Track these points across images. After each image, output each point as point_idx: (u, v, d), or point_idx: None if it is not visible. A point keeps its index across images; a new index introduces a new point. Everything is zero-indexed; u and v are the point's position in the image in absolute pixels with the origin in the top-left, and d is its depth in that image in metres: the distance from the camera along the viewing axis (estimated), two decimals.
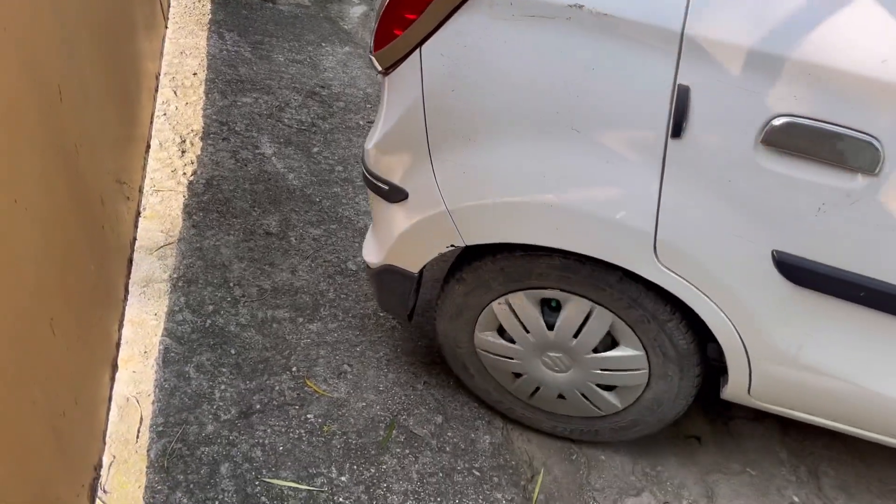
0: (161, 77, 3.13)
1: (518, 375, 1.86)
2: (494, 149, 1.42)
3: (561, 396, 1.85)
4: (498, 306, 1.73)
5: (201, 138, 2.84)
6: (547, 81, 1.32)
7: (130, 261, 2.20)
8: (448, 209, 1.53)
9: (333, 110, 3.19)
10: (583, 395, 1.80)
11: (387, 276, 1.77)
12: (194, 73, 3.23)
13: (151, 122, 2.81)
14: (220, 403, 1.88)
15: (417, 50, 1.39)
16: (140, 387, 1.87)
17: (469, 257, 1.70)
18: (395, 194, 1.60)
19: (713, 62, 1.21)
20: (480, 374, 1.94)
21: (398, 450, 1.88)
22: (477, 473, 1.88)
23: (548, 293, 1.64)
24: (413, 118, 1.46)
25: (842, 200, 1.25)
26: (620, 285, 1.53)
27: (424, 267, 1.75)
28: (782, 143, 1.23)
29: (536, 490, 1.88)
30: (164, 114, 2.92)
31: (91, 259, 1.68)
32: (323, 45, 3.71)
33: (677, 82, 1.24)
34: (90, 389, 1.59)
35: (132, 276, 2.17)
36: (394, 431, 1.92)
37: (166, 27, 3.48)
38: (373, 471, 1.81)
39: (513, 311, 1.71)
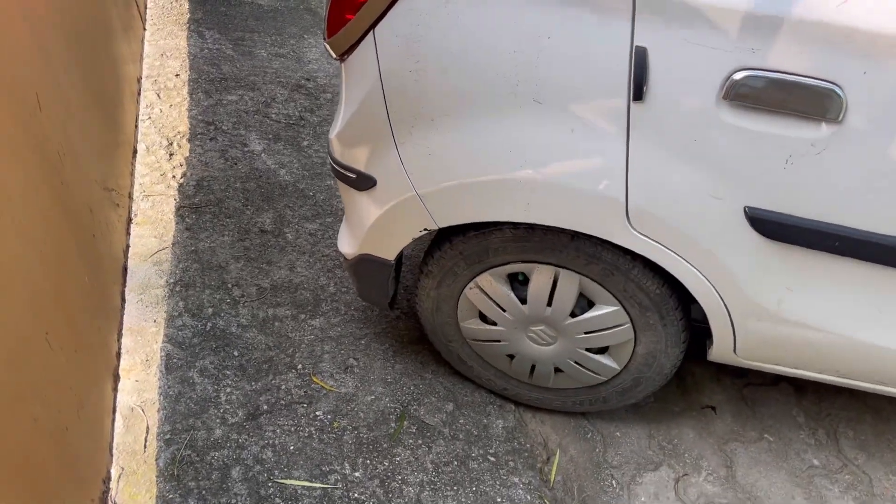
0: (143, 80, 3.08)
1: (512, 357, 1.85)
2: (459, 128, 1.39)
3: (559, 370, 1.83)
4: (470, 292, 1.72)
5: (188, 140, 2.79)
6: (504, 54, 1.29)
7: (125, 269, 2.16)
8: (418, 193, 1.50)
9: (320, 102, 3.15)
10: (577, 363, 1.78)
11: (363, 266, 1.76)
12: (177, 75, 3.17)
13: (136, 127, 2.76)
14: (227, 406, 1.85)
15: (371, 33, 1.36)
16: (144, 395, 1.83)
17: (431, 248, 1.70)
18: (364, 182, 1.58)
19: (668, 21, 1.19)
20: (479, 364, 1.93)
21: (411, 441, 1.85)
22: (492, 459, 1.85)
23: (511, 268, 1.64)
24: (373, 103, 1.43)
25: (808, 151, 1.24)
26: (575, 244, 1.51)
27: (401, 253, 1.75)
28: (744, 97, 1.22)
29: (553, 471, 1.85)
30: (149, 117, 2.87)
31: (84, 269, 1.65)
32: (305, 37, 3.65)
33: (634, 44, 1.22)
34: (93, 402, 1.56)
35: (128, 283, 2.13)
36: (405, 422, 1.89)
37: (144, 29, 3.43)
38: (386, 464, 1.79)
39: (485, 293, 1.71)
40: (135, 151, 2.64)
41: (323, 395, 1.92)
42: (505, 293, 1.70)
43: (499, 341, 1.82)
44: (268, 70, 3.35)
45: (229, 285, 2.20)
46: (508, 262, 1.63)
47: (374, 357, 2.06)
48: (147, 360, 1.93)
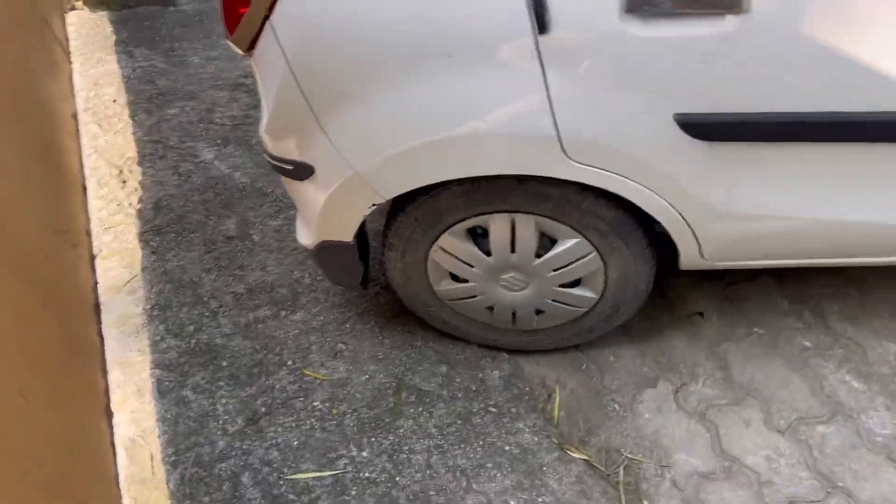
0: (81, 113, 3.05)
1: (492, 308, 1.86)
2: (378, 98, 1.38)
3: (540, 311, 1.84)
4: (435, 255, 1.73)
5: (138, 163, 2.77)
6: (402, 14, 1.28)
7: (98, 305, 2.16)
8: (357, 170, 1.50)
9: None
10: (555, 301, 1.79)
11: (325, 253, 1.76)
12: (114, 100, 3.14)
13: (82, 163, 2.74)
14: (226, 417, 1.87)
15: (267, 22, 1.34)
16: (142, 425, 1.85)
17: (388, 220, 1.70)
18: (302, 171, 1.57)
19: None
20: (463, 322, 1.94)
21: (411, 410, 1.88)
22: (494, 410, 1.87)
23: (468, 223, 1.64)
24: (289, 91, 1.41)
25: (721, 46, 1.24)
26: (522, 187, 1.51)
27: (363, 231, 1.76)
28: (647, 6, 1.21)
29: (556, 408, 1.88)
30: (95, 150, 2.84)
31: (50, 317, 1.65)
32: None
33: None
34: (88, 442, 1.58)
35: (104, 319, 2.13)
36: (403, 394, 1.91)
37: (70, 63, 3.37)
38: (391, 438, 1.81)
39: (449, 253, 1.71)
40: (84, 188, 2.62)
41: (317, 386, 1.94)
42: (468, 249, 1.70)
43: (474, 296, 1.83)
44: (204, 76, 3.31)
45: (206, 299, 2.20)
46: (464, 219, 1.63)
47: (362, 337, 2.07)
48: (139, 390, 1.94)
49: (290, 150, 1.57)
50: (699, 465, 1.72)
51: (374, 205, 1.59)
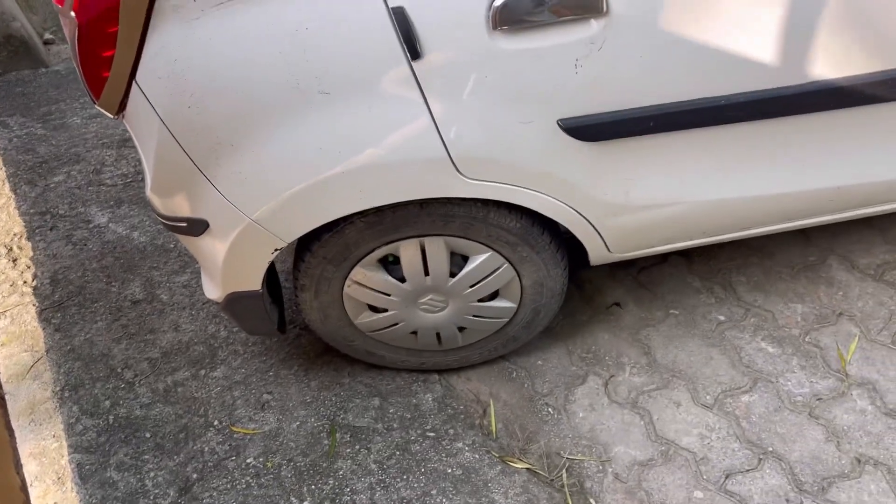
0: None
1: (415, 332, 1.85)
2: (261, 144, 1.36)
3: (461, 328, 1.85)
4: (350, 290, 1.71)
5: (28, 238, 2.64)
6: (272, 58, 1.26)
7: (2, 397, 2.04)
8: (252, 219, 1.46)
9: None
10: (476, 316, 1.80)
11: (236, 305, 1.71)
12: None
13: None
14: (156, 491, 1.79)
15: (133, 83, 1.30)
16: None
17: (295, 261, 1.68)
18: (197, 227, 1.53)
19: None
20: (388, 351, 1.92)
21: (348, 450, 1.84)
22: (432, 434, 1.86)
23: (377, 254, 1.63)
24: (168, 148, 1.37)
25: (590, 49, 1.28)
26: (425, 210, 1.52)
27: (273, 276, 1.73)
28: (512, 20, 1.24)
29: (493, 422, 1.88)
30: None
31: None
32: None
33: (390, 7, 1.22)
34: None
35: (11, 410, 2.01)
36: (337, 435, 1.88)
37: None
38: (332, 482, 1.77)
39: (363, 286, 1.70)
40: None
41: (248, 441, 1.88)
42: (382, 279, 1.68)
43: (396, 324, 1.82)
44: (87, 136, 3.18)
45: (119, 370, 2.11)
46: (373, 250, 1.62)
47: (287, 383, 2.02)
48: (59, 479, 1.84)
49: (180, 207, 1.52)
50: (638, 454, 1.75)
51: (276, 250, 1.55)
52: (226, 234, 1.52)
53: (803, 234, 2.21)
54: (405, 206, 1.51)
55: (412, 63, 1.27)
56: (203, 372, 2.07)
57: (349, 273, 1.67)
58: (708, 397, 1.85)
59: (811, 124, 1.47)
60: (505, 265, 1.66)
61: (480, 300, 1.76)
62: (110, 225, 2.65)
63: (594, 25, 1.26)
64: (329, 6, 1.23)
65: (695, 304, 2.08)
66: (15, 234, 2.65)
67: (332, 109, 1.31)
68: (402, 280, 1.69)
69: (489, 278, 1.69)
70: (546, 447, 1.80)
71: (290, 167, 1.39)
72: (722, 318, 2.03)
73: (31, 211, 2.76)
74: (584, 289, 2.18)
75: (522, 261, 1.66)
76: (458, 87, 1.31)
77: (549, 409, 1.89)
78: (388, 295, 1.72)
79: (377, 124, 1.34)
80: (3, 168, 3.01)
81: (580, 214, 1.54)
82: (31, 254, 2.56)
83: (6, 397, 2.06)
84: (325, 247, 1.61)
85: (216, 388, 2.02)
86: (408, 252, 1.63)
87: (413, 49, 1.25)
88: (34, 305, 2.36)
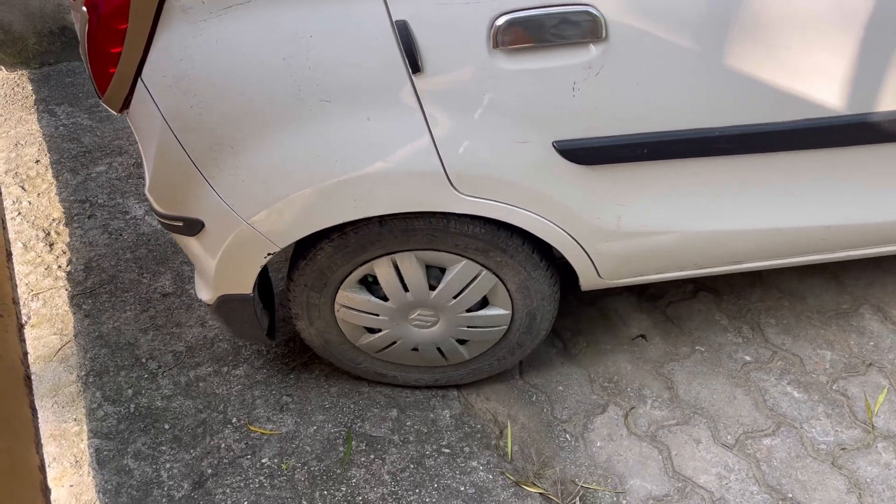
0: (2, 176, 2.95)
1: (416, 349, 1.86)
2: (260, 148, 1.37)
3: (463, 341, 1.85)
4: (340, 314, 1.75)
5: (66, 224, 2.69)
6: (275, 64, 1.27)
7: (28, 377, 2.07)
8: (247, 222, 1.48)
9: None
10: (471, 327, 1.79)
11: (226, 308, 1.72)
12: (37, 161, 3.04)
13: (5, 227, 2.64)
14: (171, 483, 1.80)
15: (139, 80, 1.32)
16: (82, 499, 1.77)
17: (286, 292, 1.72)
18: (193, 227, 1.54)
19: None
20: (397, 370, 1.94)
21: (363, 458, 1.84)
22: (447, 451, 1.85)
23: (355, 275, 1.66)
24: (169, 147, 1.39)
25: (588, 74, 1.29)
26: (387, 227, 1.53)
27: (267, 281, 1.76)
28: (512, 41, 1.26)
29: (509, 444, 1.87)
30: (18, 213, 2.75)
31: None
32: None
33: (393, 20, 1.24)
34: None
35: (36, 390, 2.04)
36: (353, 442, 1.88)
37: None
38: (344, 489, 1.77)
39: (351, 308, 1.73)
40: (9, 254, 2.52)
41: (265, 441, 1.89)
42: (366, 300, 1.71)
43: (395, 342, 1.83)
44: (130, 130, 3.24)
45: (143, 360, 2.13)
46: (350, 273, 1.65)
47: (307, 387, 2.03)
48: (77, 462, 1.86)
49: (178, 206, 1.53)
50: (653, 489, 1.73)
51: (269, 254, 1.56)
52: (220, 235, 1.54)
53: (837, 281, 2.18)
54: (366, 226, 1.53)
55: (412, 76, 1.28)
56: (226, 369, 2.09)
57: (335, 297, 1.71)
58: (729, 437, 1.82)
59: (804, 162, 1.47)
60: (483, 272, 1.65)
61: (470, 310, 1.75)
62: (146, 218, 2.70)
63: (593, 50, 1.27)
64: (333, 16, 1.24)
65: (721, 342, 2.06)
66: (54, 220, 2.71)
67: (332, 118, 1.33)
68: (386, 299, 1.71)
69: (471, 287, 1.68)
70: (561, 474, 1.79)
71: (287, 172, 1.40)
72: (748, 358, 2.01)
73: (72, 198, 2.82)
74: (610, 318, 2.17)
75: (500, 266, 1.64)
76: (457, 103, 1.32)
77: (567, 436, 1.87)
78: (377, 315, 1.74)
79: (375, 135, 1.35)
80: (48, 154, 3.08)
81: (572, 237, 1.55)
82: (68, 240, 2.61)
83: (32, 378, 2.09)
84: (303, 274, 1.65)
85: (237, 386, 2.04)
86: (382, 270, 1.64)
87: (414, 63, 1.27)
88: (66, 290, 2.40)
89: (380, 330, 1.79)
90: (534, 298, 1.73)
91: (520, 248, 1.60)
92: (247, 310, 1.72)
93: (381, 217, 1.51)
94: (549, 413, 1.93)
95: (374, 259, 1.61)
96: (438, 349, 1.85)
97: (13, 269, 2.48)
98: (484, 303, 1.76)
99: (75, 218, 2.72)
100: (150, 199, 1.57)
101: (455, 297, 1.70)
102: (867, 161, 1.49)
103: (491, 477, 1.79)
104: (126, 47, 1.28)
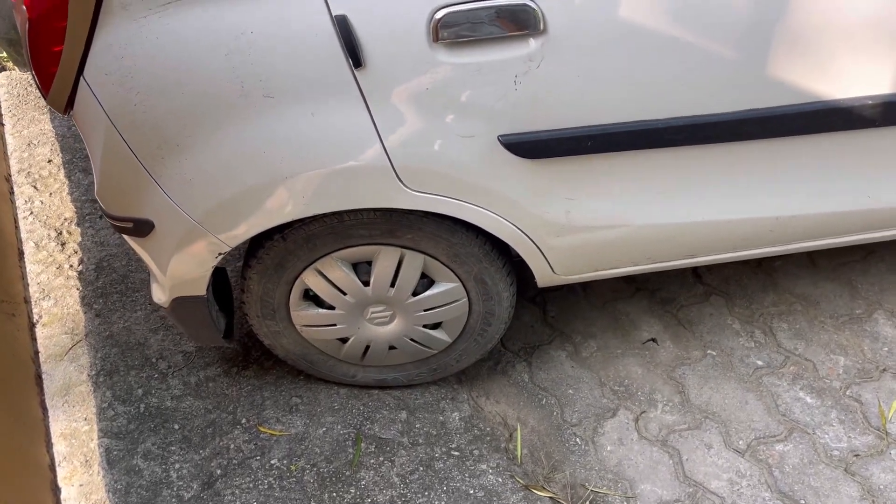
0: (14, 176, 2.96)
1: (392, 347, 1.86)
2: (206, 145, 1.36)
3: (435, 326, 1.83)
4: (305, 334, 1.79)
5: (77, 224, 2.70)
6: (217, 60, 1.26)
7: (39, 376, 2.08)
8: (196, 221, 1.47)
9: None
10: (426, 327, 1.80)
11: (180, 310, 1.71)
12: (49, 161, 3.06)
13: (17, 226, 2.65)
14: (180, 483, 1.80)
15: (81, 79, 1.31)
16: (92, 498, 1.77)
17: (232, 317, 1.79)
18: (143, 228, 1.53)
19: None
20: (393, 371, 1.95)
21: (372, 461, 1.84)
22: (456, 454, 1.85)
23: (295, 293, 1.68)
24: (115, 147, 1.38)
25: (529, 67, 1.29)
26: (293, 236, 1.54)
27: (221, 281, 1.78)
28: (452, 35, 1.25)
29: (518, 447, 1.86)
30: (31, 212, 2.76)
31: None
32: None
33: (333, 14, 1.23)
34: None
35: (47, 389, 2.05)
36: (362, 444, 1.87)
37: (2, 123, 3.29)
38: (353, 491, 1.77)
39: (310, 326, 1.76)
40: (21, 253, 2.54)
41: (274, 443, 1.89)
42: (317, 314, 1.74)
43: (368, 345, 1.84)
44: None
45: (153, 360, 2.14)
46: (288, 293, 1.68)
47: (317, 389, 2.03)
48: (87, 461, 1.86)
49: (127, 206, 1.51)
50: (664, 494, 1.72)
51: (220, 254, 1.55)
52: (171, 236, 1.53)
53: (851, 286, 2.17)
54: (275, 246, 1.55)
55: (355, 71, 1.28)
56: (235, 370, 2.09)
57: (290, 319, 1.74)
58: (741, 442, 1.81)
59: (748, 152, 1.47)
60: (407, 253, 1.62)
61: (417, 293, 1.72)
62: None
63: (532, 43, 1.27)
64: (273, 11, 1.23)
65: (733, 346, 2.05)
66: (66, 219, 2.72)
67: (276, 114, 1.32)
68: (329, 307, 1.72)
69: (402, 271, 1.66)
70: (571, 478, 1.78)
71: (233, 170, 1.40)
72: (760, 363, 1.99)
73: (83, 198, 2.82)
74: (621, 321, 2.16)
75: (417, 241, 1.60)
76: (401, 98, 1.32)
77: (577, 440, 1.87)
78: (335, 325, 1.76)
79: (320, 131, 1.34)
80: (61, 154, 3.09)
81: (523, 233, 1.54)
82: (80, 239, 2.62)
83: (43, 377, 2.10)
84: (251, 306, 1.70)
85: (247, 387, 2.04)
86: (312, 280, 1.65)
87: (356, 57, 1.26)
88: (77, 289, 2.41)
89: (346, 339, 1.81)
90: (471, 263, 1.67)
91: (429, 220, 1.56)
92: (201, 311, 1.71)
93: (282, 230, 1.52)
94: (559, 416, 1.92)
95: (299, 275, 1.64)
96: (413, 340, 1.84)
97: (25, 268, 2.50)
98: (431, 284, 1.73)
99: (87, 218, 2.73)
100: (101, 201, 1.56)
101: (392, 286, 1.68)
102: (810, 152, 1.49)
103: (500, 480, 1.78)
104: (66, 45, 1.26)
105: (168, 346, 2.18)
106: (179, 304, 1.70)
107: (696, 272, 2.27)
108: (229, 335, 1.86)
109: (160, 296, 1.73)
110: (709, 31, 1.30)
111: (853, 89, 1.39)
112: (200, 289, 1.65)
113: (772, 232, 1.63)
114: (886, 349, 1.98)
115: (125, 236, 1.63)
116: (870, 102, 1.40)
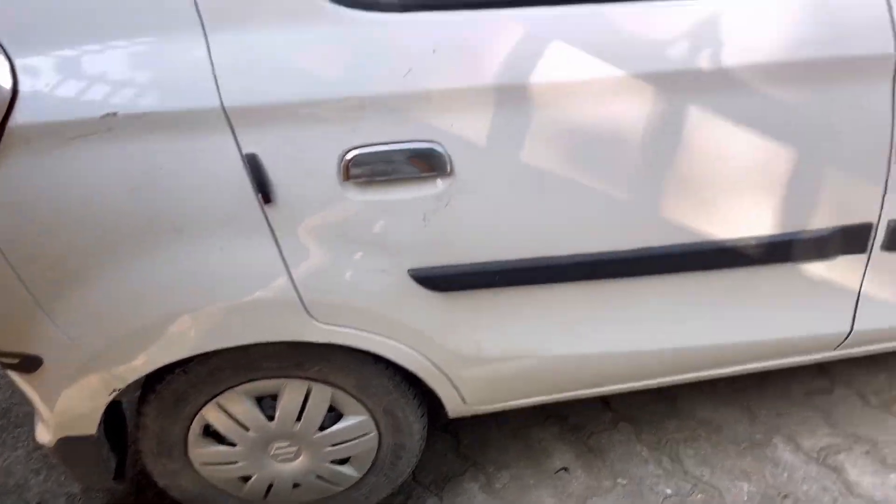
0: None
1: (297, 485, 1.79)
2: (108, 279, 1.32)
3: (343, 461, 1.77)
4: (205, 473, 1.72)
5: None
6: (123, 195, 1.25)
7: None
8: (90, 355, 1.41)
9: None
10: (333, 462, 1.76)
11: (67, 450, 1.60)
12: None
13: None
14: None
15: None
16: None
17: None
18: (30, 363, 1.44)
19: (263, 124, 1.24)
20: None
21: None
22: None
23: (193, 428, 1.62)
24: (5, 280, 1.31)
25: (438, 205, 1.34)
26: (195, 370, 1.52)
27: (114, 419, 1.70)
28: (361, 175, 1.29)
29: None
30: None
31: None
32: None
33: (244, 153, 1.25)
34: None
35: None
36: None
37: None
38: None
39: (210, 464, 1.70)
40: None
41: None
42: (216, 451, 1.67)
43: (271, 483, 1.77)
44: None
45: None
46: (186, 430, 1.63)
47: None
48: None
49: (14, 341, 1.42)
50: None
51: (115, 390, 1.48)
52: (61, 371, 1.45)
53: (749, 411, 2.24)
54: (175, 378, 1.52)
55: (264, 207, 1.29)
56: None
57: (189, 459, 1.68)
58: None
59: (647, 287, 1.55)
60: (316, 385, 1.59)
61: (324, 428, 1.68)
62: None
63: (440, 184, 1.32)
64: (183, 148, 1.24)
65: (643, 474, 2.06)
66: None
67: (184, 247, 1.31)
68: (234, 444, 1.67)
69: (310, 406, 1.62)
70: None
71: (134, 304, 1.36)
72: (669, 491, 2.01)
73: None
74: (534, 449, 2.15)
75: (325, 374, 1.57)
76: (310, 234, 1.34)
77: None
78: (236, 462, 1.69)
79: (229, 264, 1.34)
80: None
81: (434, 365, 1.55)
82: None
83: None
84: (146, 443, 1.64)
85: None
86: (213, 417, 1.61)
87: (266, 194, 1.28)
88: None
89: (250, 476, 1.74)
90: (380, 395, 1.65)
91: (337, 352, 1.54)
92: (90, 452, 1.61)
93: (184, 364, 1.48)
94: None
95: (199, 409, 1.58)
96: (320, 477, 1.77)
97: None
98: (339, 417, 1.69)
99: None
100: None
101: (299, 420, 1.64)
102: (702, 288, 1.58)
103: None
104: None
105: (51, 487, 2.01)
106: (65, 443, 1.57)
107: (604, 399, 2.30)
108: (120, 475, 1.72)
109: (44, 436, 1.60)
110: (605, 175, 1.38)
111: (738, 230, 1.50)
112: (90, 428, 1.55)
113: (672, 361, 1.69)
114: (786, 475, 2.04)
115: (9, 372, 1.51)
116: (753, 243, 1.51)
